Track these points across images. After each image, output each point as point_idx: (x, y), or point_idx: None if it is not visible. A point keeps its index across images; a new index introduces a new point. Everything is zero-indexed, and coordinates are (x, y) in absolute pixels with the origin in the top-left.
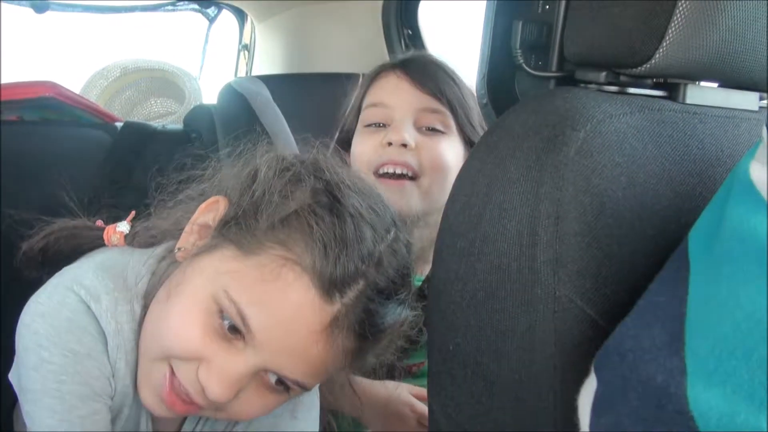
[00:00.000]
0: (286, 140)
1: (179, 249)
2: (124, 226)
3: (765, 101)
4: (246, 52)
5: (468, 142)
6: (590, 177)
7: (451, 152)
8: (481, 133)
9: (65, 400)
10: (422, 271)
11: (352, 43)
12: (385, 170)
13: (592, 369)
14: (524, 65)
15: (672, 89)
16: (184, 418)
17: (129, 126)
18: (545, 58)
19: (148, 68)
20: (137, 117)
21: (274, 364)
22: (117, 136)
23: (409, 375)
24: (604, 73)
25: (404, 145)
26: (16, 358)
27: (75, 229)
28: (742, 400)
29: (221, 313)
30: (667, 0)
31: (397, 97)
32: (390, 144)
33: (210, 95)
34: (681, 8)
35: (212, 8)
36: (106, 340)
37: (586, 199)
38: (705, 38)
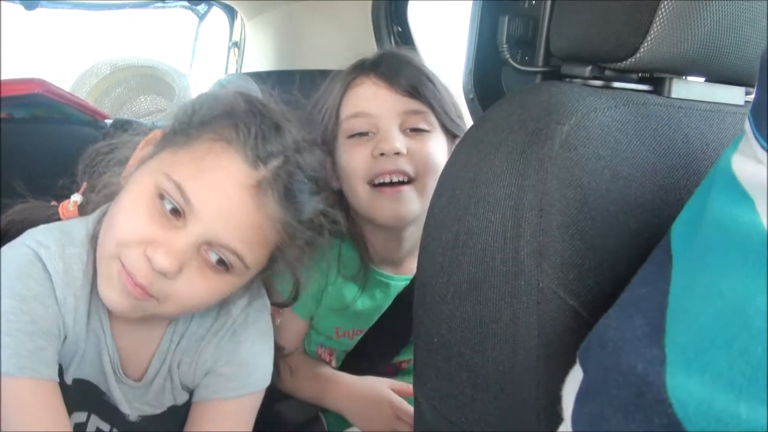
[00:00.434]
0: None
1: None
2: (77, 197)
3: (751, 95)
4: (236, 49)
5: (450, 135)
6: (574, 170)
7: (439, 149)
8: (458, 122)
9: (14, 336)
10: (410, 270)
11: (342, 40)
12: (381, 180)
13: (578, 360)
14: (510, 60)
15: (657, 83)
16: (152, 358)
17: (119, 123)
18: (531, 53)
19: (138, 65)
20: (127, 114)
21: (211, 232)
22: (106, 133)
23: (398, 371)
24: (589, 68)
25: (397, 153)
26: None
27: (32, 209)
28: (720, 388)
29: (162, 197)
30: None
31: (378, 104)
32: (382, 154)
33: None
34: (666, 3)
35: (202, 5)
36: (53, 284)
37: (569, 192)
38: (690, 33)
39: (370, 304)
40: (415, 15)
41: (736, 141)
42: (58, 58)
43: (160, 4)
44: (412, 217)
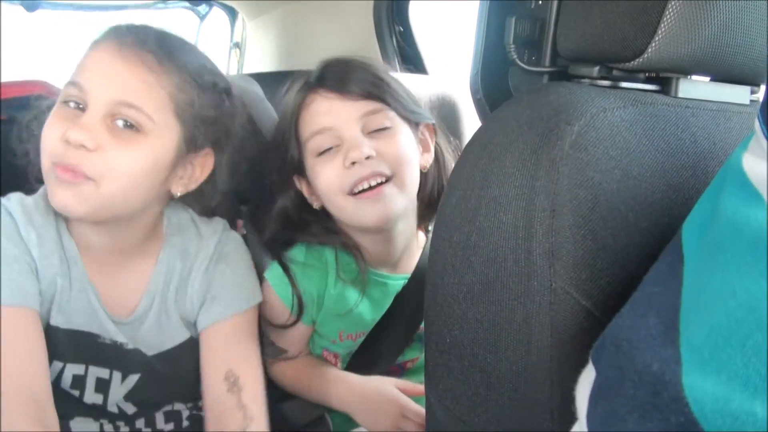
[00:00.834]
0: None
1: None
2: None
3: (756, 95)
4: (237, 50)
5: (412, 124)
6: (585, 170)
7: (406, 141)
8: (417, 110)
9: None
10: (407, 269)
11: (344, 41)
12: (360, 188)
13: (590, 360)
14: (518, 61)
15: (664, 83)
16: (141, 297)
17: None
18: (538, 53)
19: None
20: None
21: (105, 96)
22: None
23: (404, 371)
24: (597, 68)
25: (368, 158)
26: None
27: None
28: (736, 387)
29: (66, 102)
30: None
31: (335, 116)
32: (353, 163)
33: None
34: (673, 3)
35: (203, 6)
36: (17, 224)
37: (580, 192)
38: (697, 33)
39: (370, 306)
40: (418, 14)
41: (746, 140)
42: (59, 59)
43: (161, 4)
44: (399, 214)
